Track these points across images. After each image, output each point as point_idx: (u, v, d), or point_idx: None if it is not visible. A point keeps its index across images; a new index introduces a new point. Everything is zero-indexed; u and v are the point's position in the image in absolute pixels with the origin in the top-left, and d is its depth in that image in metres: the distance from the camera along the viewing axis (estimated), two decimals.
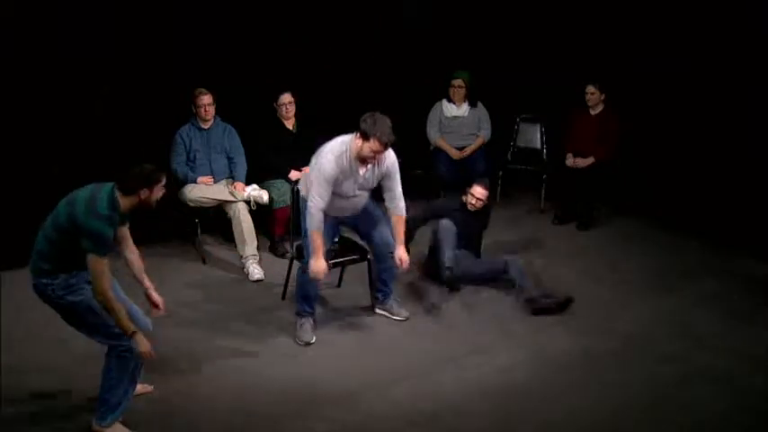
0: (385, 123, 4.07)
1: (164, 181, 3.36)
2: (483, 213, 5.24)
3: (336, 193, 4.25)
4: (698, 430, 3.60)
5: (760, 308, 4.77)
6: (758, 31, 5.78)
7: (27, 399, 3.71)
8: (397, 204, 4.41)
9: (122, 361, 3.34)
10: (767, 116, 5.79)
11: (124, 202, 3.28)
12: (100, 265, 3.18)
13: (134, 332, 3.25)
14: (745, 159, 5.96)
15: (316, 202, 4.18)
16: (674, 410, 3.71)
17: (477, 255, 5.29)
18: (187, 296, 4.99)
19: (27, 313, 4.48)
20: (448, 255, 4.86)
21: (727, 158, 6.07)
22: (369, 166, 4.23)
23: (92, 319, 3.29)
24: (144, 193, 3.29)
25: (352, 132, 4.17)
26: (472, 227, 5.19)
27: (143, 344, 3.28)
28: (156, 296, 3.61)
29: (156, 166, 3.39)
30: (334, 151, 4.20)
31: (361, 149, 4.11)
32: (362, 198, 4.43)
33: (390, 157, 4.32)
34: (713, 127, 6.19)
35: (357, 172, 4.24)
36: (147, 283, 3.61)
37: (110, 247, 3.24)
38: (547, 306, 4.72)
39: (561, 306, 4.75)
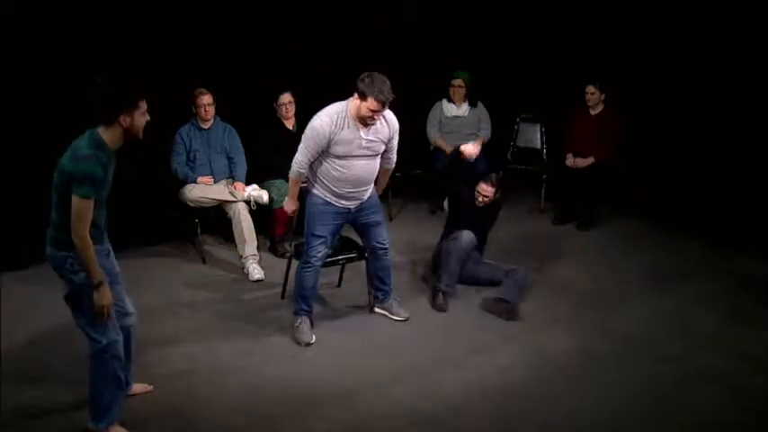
0: (383, 82, 4.00)
1: (143, 107, 3.17)
2: (491, 211, 5.21)
3: (339, 156, 4.17)
4: (698, 430, 3.60)
5: (760, 308, 4.77)
6: (758, 31, 5.78)
7: (27, 399, 3.70)
8: (390, 159, 4.48)
9: (102, 362, 3.29)
10: (767, 116, 5.79)
11: (109, 137, 3.13)
12: (84, 206, 3.05)
13: (100, 282, 3.16)
14: (745, 159, 5.96)
15: (297, 164, 4.28)
16: (674, 410, 3.71)
17: (480, 252, 5.27)
18: (187, 296, 4.99)
19: (27, 314, 4.49)
20: (447, 280, 4.88)
21: (727, 158, 6.07)
22: (370, 128, 4.15)
23: (92, 307, 3.26)
24: (125, 121, 3.12)
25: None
26: (478, 223, 5.15)
27: (105, 297, 3.17)
28: None
29: (130, 83, 3.18)
30: (330, 112, 4.13)
31: (360, 109, 4.05)
32: (370, 164, 4.30)
33: (393, 121, 4.29)
34: (713, 127, 6.19)
35: (358, 132, 4.15)
36: None
37: (97, 186, 3.10)
38: (496, 311, 4.73)
39: (507, 314, 4.71)
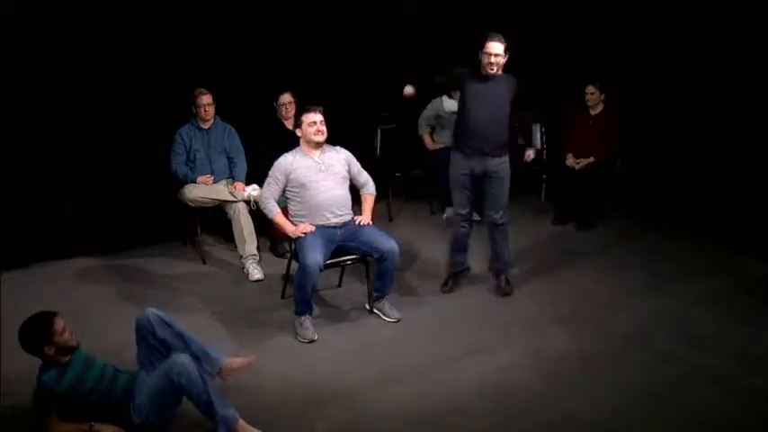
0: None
1: (59, 325, 3.31)
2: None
3: (305, 187, 4.52)
4: (698, 430, 3.60)
5: (760, 308, 4.77)
6: (758, 31, 5.78)
7: (27, 400, 3.69)
8: (367, 186, 4.77)
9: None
10: (767, 116, 5.79)
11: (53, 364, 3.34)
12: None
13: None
14: (745, 160, 5.95)
15: (265, 193, 4.61)
16: (673, 410, 3.71)
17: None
18: (187, 296, 5.00)
19: (27, 314, 4.48)
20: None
21: (727, 159, 6.07)
22: (322, 151, 4.60)
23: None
24: (49, 349, 3.31)
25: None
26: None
27: None
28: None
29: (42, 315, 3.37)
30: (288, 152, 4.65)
31: (305, 133, 4.56)
32: (335, 190, 4.58)
33: (343, 150, 4.72)
34: (713, 127, 6.19)
35: (312, 157, 4.57)
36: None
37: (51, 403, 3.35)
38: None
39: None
